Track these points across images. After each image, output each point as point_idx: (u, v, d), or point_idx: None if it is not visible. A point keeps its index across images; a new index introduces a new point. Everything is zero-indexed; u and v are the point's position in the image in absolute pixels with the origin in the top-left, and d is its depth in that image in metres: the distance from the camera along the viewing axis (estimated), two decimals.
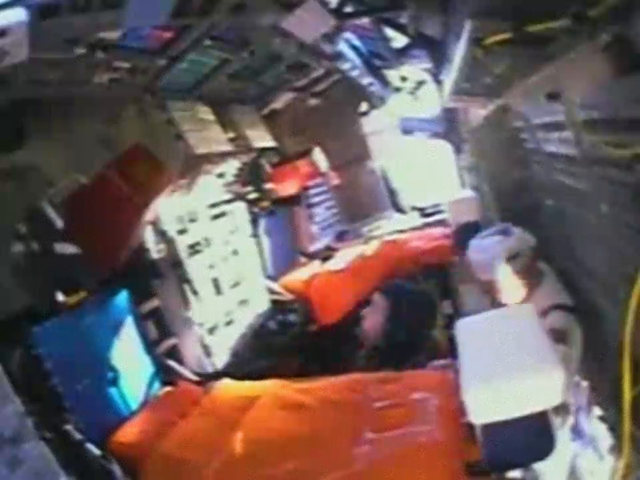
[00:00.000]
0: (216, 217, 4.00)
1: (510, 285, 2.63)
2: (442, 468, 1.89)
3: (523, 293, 2.65)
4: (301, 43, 3.29)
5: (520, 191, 3.04)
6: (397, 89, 5.22)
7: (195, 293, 3.48)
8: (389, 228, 5.63)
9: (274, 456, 2.18)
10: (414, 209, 6.04)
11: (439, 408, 2.22)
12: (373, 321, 3.49)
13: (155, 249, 3.31)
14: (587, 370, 2.51)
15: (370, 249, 4.85)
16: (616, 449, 2.37)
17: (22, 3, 1.49)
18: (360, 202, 6.00)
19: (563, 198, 2.37)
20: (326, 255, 5.09)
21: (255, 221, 4.59)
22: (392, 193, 6.10)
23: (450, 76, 2.32)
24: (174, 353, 3.27)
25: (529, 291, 2.64)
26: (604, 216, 1.79)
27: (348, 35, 3.61)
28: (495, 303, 2.86)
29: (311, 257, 5.20)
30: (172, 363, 3.16)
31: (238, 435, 2.36)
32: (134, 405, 2.72)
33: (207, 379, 3.14)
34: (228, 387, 2.93)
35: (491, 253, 2.65)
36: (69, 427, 2.25)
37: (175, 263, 3.42)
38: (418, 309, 3.49)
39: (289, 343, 4.08)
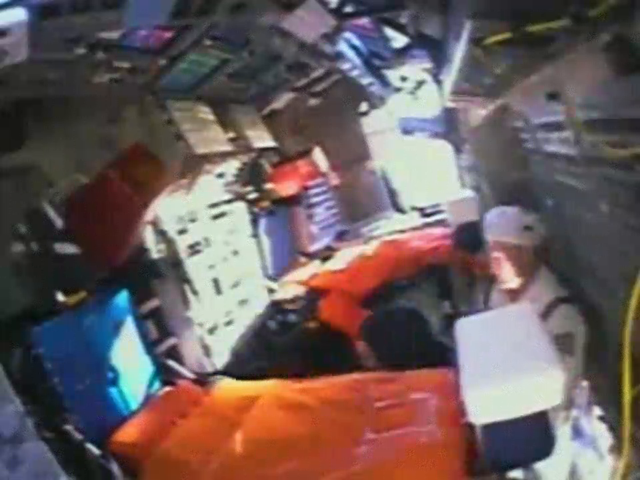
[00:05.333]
0: (216, 216, 4.01)
1: (508, 266, 2.68)
2: (442, 468, 1.89)
3: (518, 281, 2.69)
4: (301, 43, 3.29)
5: (520, 191, 3.04)
6: (397, 89, 5.23)
7: (195, 293, 3.49)
8: (388, 228, 5.63)
9: (274, 456, 2.18)
10: (414, 209, 6.03)
11: (439, 408, 2.22)
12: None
13: (155, 249, 3.31)
14: (587, 370, 2.51)
15: (370, 249, 4.85)
16: (616, 449, 2.37)
17: (22, 2, 1.48)
18: (360, 202, 6.00)
19: (563, 198, 2.37)
20: (326, 254, 5.09)
21: (255, 221, 4.60)
22: (392, 193, 6.10)
23: (450, 76, 2.32)
24: (174, 353, 3.27)
25: (524, 282, 2.68)
26: (604, 216, 1.79)
27: (348, 34, 3.61)
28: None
29: (311, 256, 5.20)
30: (172, 363, 3.16)
31: (238, 434, 2.36)
32: (134, 405, 2.72)
33: (206, 378, 3.14)
34: (228, 387, 2.93)
35: (511, 218, 2.71)
36: (68, 427, 2.25)
37: (175, 263, 3.42)
38: (407, 333, 3.29)
39: (289, 342, 4.08)
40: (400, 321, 3.36)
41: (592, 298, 2.32)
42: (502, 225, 2.71)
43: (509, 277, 2.70)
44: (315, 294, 4.18)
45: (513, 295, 2.75)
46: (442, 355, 2.66)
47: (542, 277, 2.65)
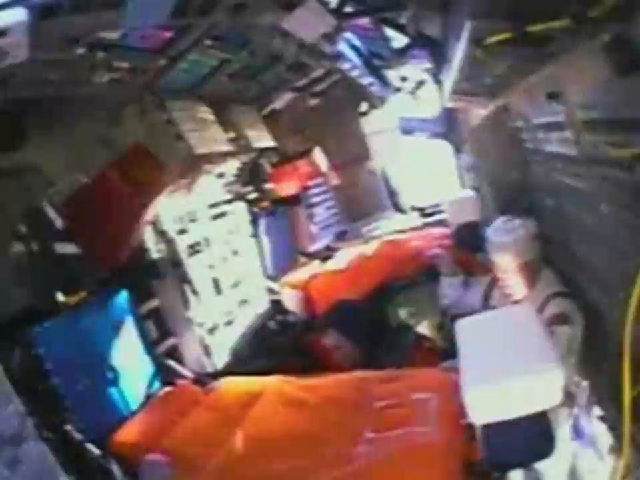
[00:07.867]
0: (216, 217, 4.00)
1: (513, 275, 2.66)
2: (440, 468, 1.89)
3: (524, 288, 2.66)
4: (301, 43, 3.29)
5: (520, 191, 3.04)
6: (397, 89, 5.22)
7: (195, 292, 3.49)
8: (388, 228, 5.63)
9: (275, 452, 2.19)
10: (414, 209, 6.03)
11: (439, 408, 2.22)
12: (346, 355, 3.56)
13: (155, 249, 3.31)
14: (587, 370, 2.51)
15: (370, 248, 4.84)
16: (616, 449, 2.37)
17: (22, 2, 1.49)
18: (360, 202, 6.00)
19: (563, 198, 2.37)
20: (326, 255, 5.09)
21: (254, 221, 4.60)
22: (392, 193, 6.10)
23: (450, 76, 2.32)
24: (174, 353, 3.27)
25: (530, 286, 2.66)
26: (604, 216, 1.79)
27: (348, 34, 3.60)
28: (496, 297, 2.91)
29: (311, 256, 5.20)
30: (172, 362, 3.16)
31: (240, 431, 2.36)
32: (134, 405, 2.72)
33: (206, 379, 3.15)
34: (231, 383, 2.93)
35: (517, 233, 2.65)
36: (68, 427, 2.25)
37: (175, 263, 3.42)
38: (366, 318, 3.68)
39: (289, 342, 4.08)
40: (360, 310, 3.76)
41: (592, 298, 2.32)
42: (510, 246, 2.63)
43: (519, 289, 2.67)
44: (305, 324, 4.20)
45: None
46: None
47: (543, 277, 2.65)
